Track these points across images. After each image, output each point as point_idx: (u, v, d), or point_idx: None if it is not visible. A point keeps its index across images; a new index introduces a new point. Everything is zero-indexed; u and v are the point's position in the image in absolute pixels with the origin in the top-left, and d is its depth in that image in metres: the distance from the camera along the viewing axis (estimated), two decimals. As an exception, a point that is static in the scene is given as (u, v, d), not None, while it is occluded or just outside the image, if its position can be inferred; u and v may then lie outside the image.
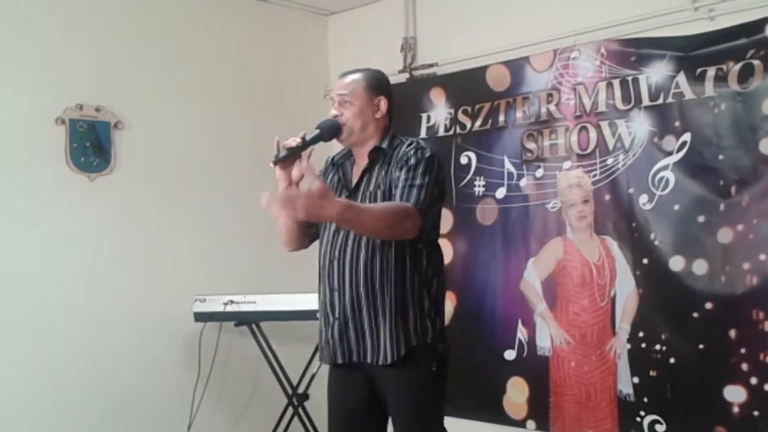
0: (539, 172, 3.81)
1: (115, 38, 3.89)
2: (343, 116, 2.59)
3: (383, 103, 2.62)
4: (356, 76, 2.64)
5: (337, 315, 2.57)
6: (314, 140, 2.57)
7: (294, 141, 2.55)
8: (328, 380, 2.74)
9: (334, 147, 2.75)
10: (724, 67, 3.22)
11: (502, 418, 3.90)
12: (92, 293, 3.74)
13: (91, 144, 3.79)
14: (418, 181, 2.47)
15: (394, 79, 4.07)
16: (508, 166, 3.91)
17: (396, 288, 2.49)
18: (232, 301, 3.86)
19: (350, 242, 2.54)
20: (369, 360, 2.52)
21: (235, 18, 4.40)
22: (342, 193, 2.64)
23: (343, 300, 2.55)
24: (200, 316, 3.89)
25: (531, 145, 3.84)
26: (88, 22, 3.80)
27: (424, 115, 4.23)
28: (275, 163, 2.55)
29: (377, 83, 2.65)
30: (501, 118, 3.94)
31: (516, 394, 3.88)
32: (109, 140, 3.84)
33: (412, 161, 2.49)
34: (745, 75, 3.17)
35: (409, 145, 2.56)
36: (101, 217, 3.80)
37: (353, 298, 2.53)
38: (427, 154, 2.52)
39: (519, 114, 3.88)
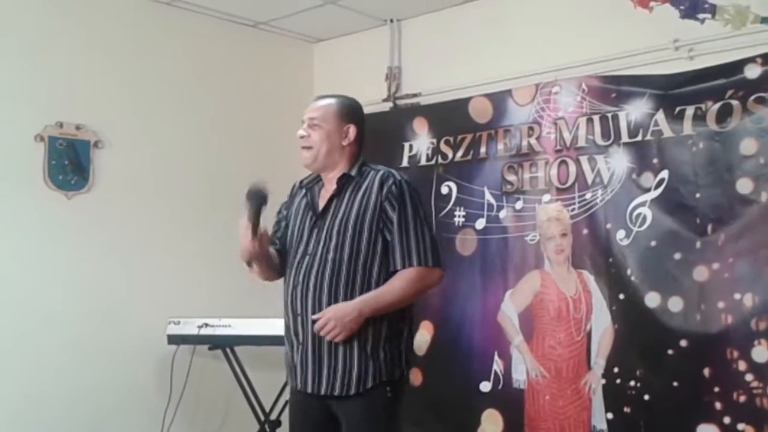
0: (519, 204, 3.82)
1: (98, 57, 3.88)
2: (310, 138, 2.60)
3: (352, 130, 2.62)
4: (329, 101, 2.65)
5: (300, 341, 2.56)
6: (255, 210, 2.52)
7: (245, 236, 2.53)
8: (289, 403, 2.72)
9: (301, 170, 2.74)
10: (703, 106, 3.26)
11: (476, 451, 3.88)
12: (67, 312, 3.69)
13: (70, 162, 3.76)
14: (413, 237, 2.49)
15: (377, 108, 4.12)
16: (489, 197, 3.93)
17: None
18: (206, 324, 3.81)
19: (315, 269, 2.53)
20: (323, 392, 2.51)
21: (220, 41, 4.40)
22: (309, 216, 2.64)
23: (306, 326, 2.54)
24: (174, 339, 3.84)
25: (511, 177, 3.86)
26: (71, 39, 3.79)
27: (406, 144, 4.24)
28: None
29: (349, 110, 2.65)
30: (482, 149, 3.96)
31: (490, 426, 3.85)
32: (88, 159, 3.82)
33: (396, 204, 2.50)
34: (724, 115, 3.21)
35: (383, 176, 2.56)
36: (78, 236, 3.76)
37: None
38: (406, 191, 2.53)
39: (500, 146, 3.90)
